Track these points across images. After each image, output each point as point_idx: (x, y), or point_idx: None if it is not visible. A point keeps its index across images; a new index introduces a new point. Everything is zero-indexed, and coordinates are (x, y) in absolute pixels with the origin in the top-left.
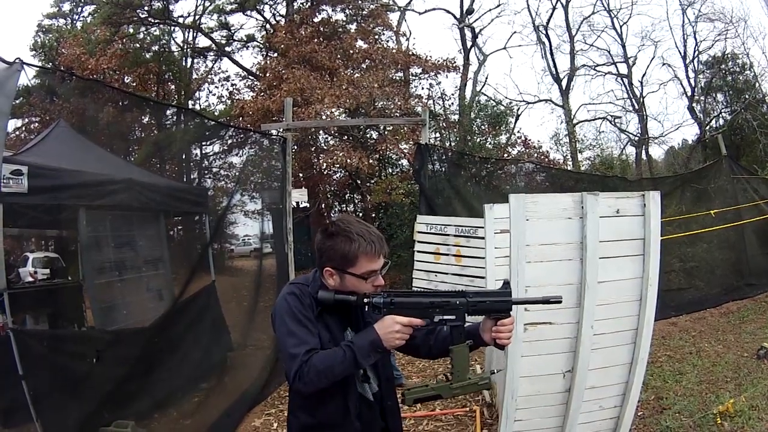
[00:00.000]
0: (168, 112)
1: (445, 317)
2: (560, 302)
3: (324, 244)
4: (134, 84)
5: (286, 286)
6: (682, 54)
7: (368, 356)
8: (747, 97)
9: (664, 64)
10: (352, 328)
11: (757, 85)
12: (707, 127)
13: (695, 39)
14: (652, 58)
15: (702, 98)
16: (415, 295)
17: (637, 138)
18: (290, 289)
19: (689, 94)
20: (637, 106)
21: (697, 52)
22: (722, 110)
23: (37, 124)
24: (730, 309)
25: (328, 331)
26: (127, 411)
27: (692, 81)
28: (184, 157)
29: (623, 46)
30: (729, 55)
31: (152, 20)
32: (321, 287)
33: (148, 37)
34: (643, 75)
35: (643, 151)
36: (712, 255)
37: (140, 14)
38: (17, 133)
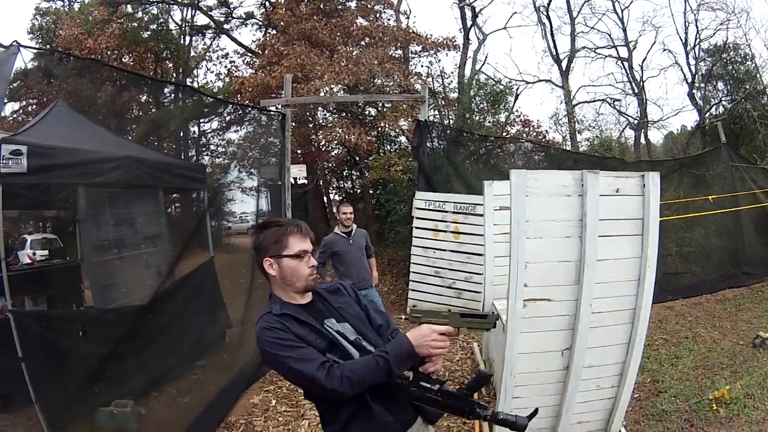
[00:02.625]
0: (166, 90)
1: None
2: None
3: (257, 238)
4: (132, 63)
5: (257, 322)
6: (683, 41)
7: (402, 365)
8: (747, 87)
9: (664, 49)
10: (328, 317)
11: (758, 76)
12: (707, 115)
13: (696, 27)
14: (653, 43)
15: (702, 85)
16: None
17: (636, 121)
18: (261, 325)
19: (689, 80)
20: (636, 90)
21: (698, 40)
22: (722, 98)
23: (34, 106)
24: (726, 296)
25: (309, 328)
26: (125, 390)
27: (693, 68)
28: (182, 134)
29: (624, 30)
30: (730, 45)
31: None
32: (273, 300)
33: (146, 16)
34: (644, 59)
35: (642, 135)
36: (710, 241)
37: None
38: (15, 115)
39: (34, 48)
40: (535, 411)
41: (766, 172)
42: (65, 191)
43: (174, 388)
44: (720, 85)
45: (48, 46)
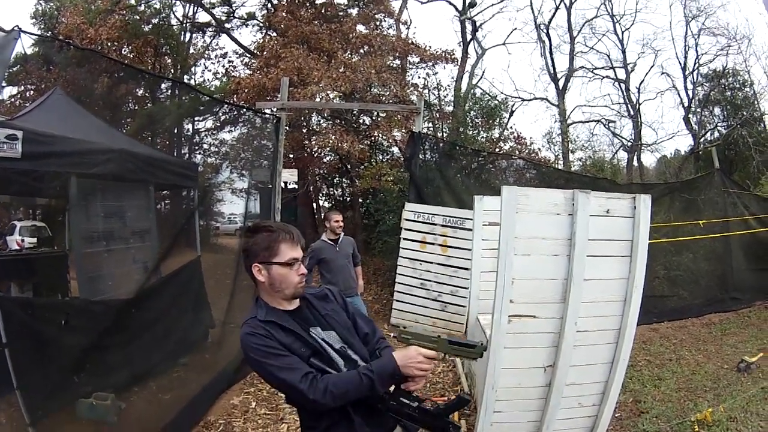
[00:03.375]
0: (163, 85)
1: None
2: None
3: (247, 242)
4: (131, 56)
5: (242, 326)
6: (682, 65)
7: (386, 384)
8: (745, 113)
9: (662, 73)
10: (314, 325)
11: (756, 103)
12: (701, 139)
13: (696, 51)
14: (651, 66)
15: (698, 110)
16: None
17: (630, 143)
18: (246, 330)
19: (686, 105)
20: (632, 112)
21: (697, 65)
22: (718, 124)
23: (32, 92)
24: (712, 320)
25: (295, 336)
26: (107, 383)
27: (690, 92)
28: (176, 131)
29: (623, 52)
30: (730, 71)
31: None
32: (259, 304)
33: (149, 10)
34: (641, 82)
35: (635, 157)
36: (698, 265)
37: None
38: (12, 99)
39: (35, 34)
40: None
41: (758, 198)
42: (58, 180)
43: (155, 384)
44: (716, 110)
45: (50, 33)
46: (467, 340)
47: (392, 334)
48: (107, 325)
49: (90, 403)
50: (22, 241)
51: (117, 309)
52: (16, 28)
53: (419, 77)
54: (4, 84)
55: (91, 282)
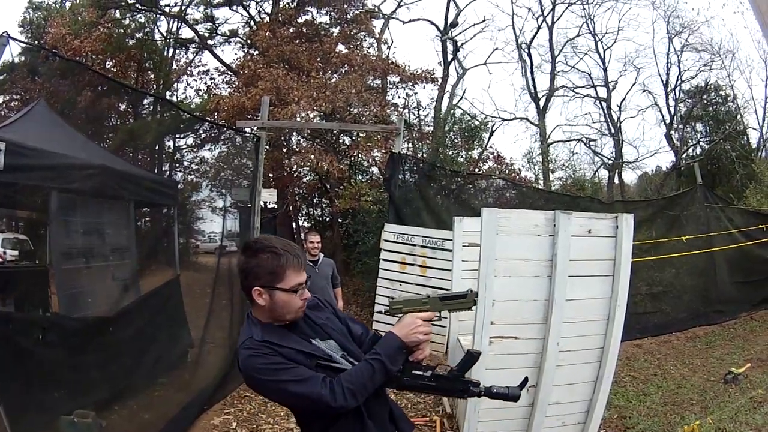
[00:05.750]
0: (145, 101)
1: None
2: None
3: (249, 263)
4: (115, 69)
5: (239, 350)
6: (664, 82)
7: (397, 361)
8: (728, 127)
9: (644, 90)
10: (312, 337)
11: (739, 116)
12: (683, 155)
13: (679, 68)
14: (633, 84)
15: (680, 127)
16: None
17: (611, 161)
18: (246, 353)
19: (668, 121)
20: (613, 130)
21: (679, 81)
22: (700, 139)
23: (17, 102)
24: (696, 334)
25: (301, 354)
26: (87, 401)
27: (672, 109)
28: (156, 147)
29: (605, 70)
30: (712, 86)
31: (139, 6)
32: (252, 321)
33: (133, 24)
34: (623, 100)
35: (616, 175)
36: (681, 280)
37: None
38: None
39: (23, 42)
40: (526, 379)
41: (743, 211)
42: (39, 194)
43: (135, 403)
44: (698, 126)
45: (36, 42)
46: (457, 292)
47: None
48: (87, 342)
49: (71, 420)
50: (4, 253)
51: (97, 326)
52: (4, 34)
53: (399, 97)
54: None
55: (71, 298)
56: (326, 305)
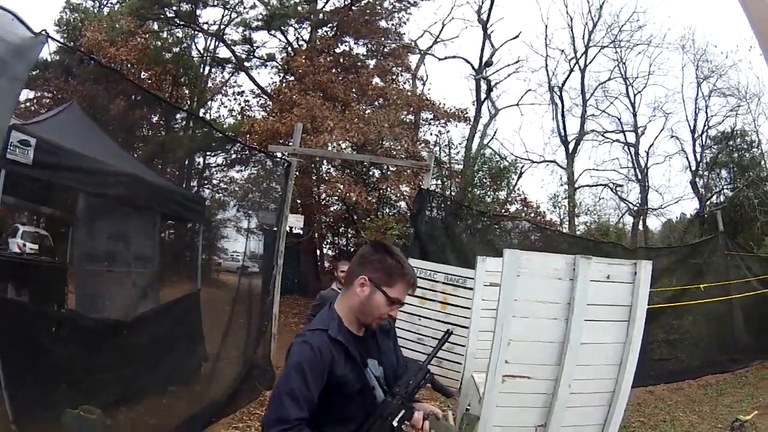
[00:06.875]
0: (178, 116)
1: (399, 416)
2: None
3: (374, 255)
4: (150, 81)
5: (306, 332)
6: (692, 128)
7: None
8: (751, 174)
9: (672, 136)
10: (372, 356)
11: (762, 162)
12: (707, 203)
13: (706, 113)
14: (661, 129)
15: (706, 173)
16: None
17: (636, 207)
18: (311, 340)
19: (693, 168)
20: (640, 176)
21: (706, 127)
22: (724, 186)
23: (48, 100)
24: (709, 381)
25: (354, 367)
26: (96, 399)
27: (698, 155)
28: (186, 162)
29: (635, 115)
30: (738, 132)
31: (178, 21)
32: (332, 314)
33: (171, 38)
34: (650, 146)
35: (641, 221)
36: (698, 328)
37: (167, 13)
38: (28, 104)
39: (60, 42)
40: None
41: (761, 259)
42: (66, 193)
43: (144, 408)
44: (723, 172)
45: (72, 44)
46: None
47: None
48: (101, 342)
49: (77, 413)
50: (24, 245)
51: (112, 328)
52: (44, 32)
53: (431, 134)
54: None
55: (89, 299)
56: (393, 336)
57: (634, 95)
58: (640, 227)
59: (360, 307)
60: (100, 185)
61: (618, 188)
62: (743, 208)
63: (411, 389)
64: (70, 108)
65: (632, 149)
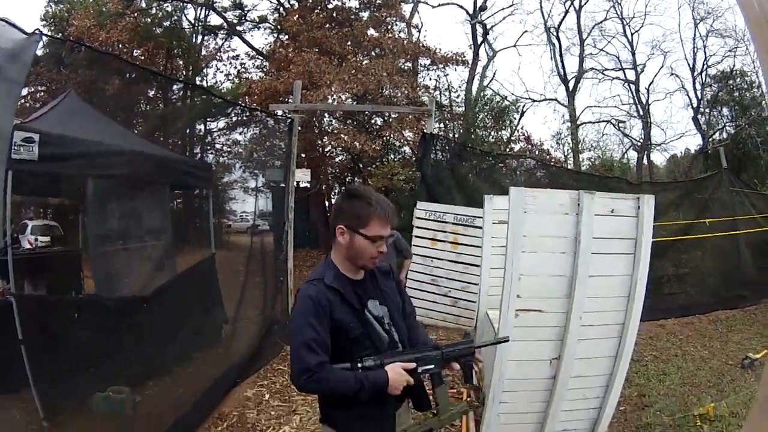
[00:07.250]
0: (175, 87)
1: (426, 367)
2: (507, 341)
3: (343, 203)
4: (143, 58)
5: (304, 285)
6: (691, 66)
7: (370, 395)
8: (752, 113)
9: (672, 74)
10: (373, 297)
11: (763, 103)
12: (710, 139)
13: (705, 53)
14: (661, 68)
15: (707, 110)
16: (399, 354)
17: (639, 143)
18: (308, 291)
19: (694, 105)
20: (641, 113)
21: (705, 66)
22: (726, 124)
23: (43, 94)
24: (719, 317)
25: (352, 311)
26: (122, 378)
27: (698, 93)
28: (188, 131)
29: (633, 54)
30: (737, 72)
31: None
32: (329, 263)
33: (160, 13)
34: (650, 83)
35: (645, 157)
36: (706, 263)
37: None
38: (23, 101)
39: (54, 37)
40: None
41: (765, 197)
42: (73, 180)
43: (171, 379)
44: (725, 110)
45: (60, 35)
46: (451, 407)
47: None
48: (123, 321)
49: (106, 395)
50: (35, 240)
51: (133, 305)
52: (37, 31)
53: (430, 79)
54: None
55: (107, 280)
56: (394, 277)
57: (632, 34)
58: (645, 162)
59: (348, 253)
60: (108, 167)
61: (621, 124)
62: (746, 145)
63: (450, 352)
64: (69, 97)
65: (632, 86)
